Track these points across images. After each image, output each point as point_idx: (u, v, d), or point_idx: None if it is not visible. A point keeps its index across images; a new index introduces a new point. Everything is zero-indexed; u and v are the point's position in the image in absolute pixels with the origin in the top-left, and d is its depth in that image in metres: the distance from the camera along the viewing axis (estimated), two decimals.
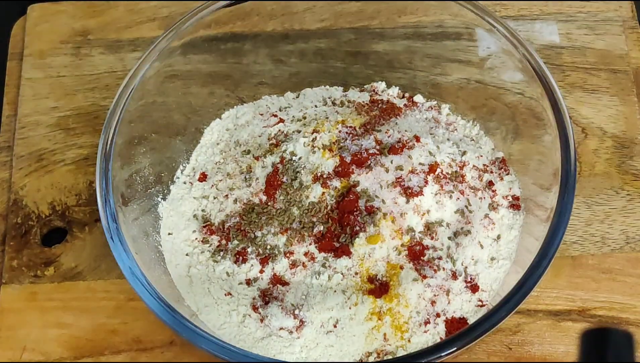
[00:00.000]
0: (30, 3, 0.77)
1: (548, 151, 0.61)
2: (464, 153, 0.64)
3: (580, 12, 0.74)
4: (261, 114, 0.69)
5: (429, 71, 0.69)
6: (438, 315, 0.60)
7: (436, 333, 0.60)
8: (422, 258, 0.61)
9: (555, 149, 0.60)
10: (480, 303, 0.60)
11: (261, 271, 0.61)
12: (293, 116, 0.67)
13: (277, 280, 0.61)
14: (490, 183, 0.64)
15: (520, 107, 0.64)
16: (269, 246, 0.61)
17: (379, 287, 0.60)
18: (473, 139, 0.67)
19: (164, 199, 0.65)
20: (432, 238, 0.61)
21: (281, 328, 0.59)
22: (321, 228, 0.61)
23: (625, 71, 0.72)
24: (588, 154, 0.69)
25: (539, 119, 0.62)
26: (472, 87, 0.67)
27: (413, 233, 0.61)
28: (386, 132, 0.64)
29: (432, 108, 0.68)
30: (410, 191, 0.61)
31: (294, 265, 0.61)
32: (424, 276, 0.60)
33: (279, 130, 0.66)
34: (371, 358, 0.59)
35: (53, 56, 0.74)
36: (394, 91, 0.70)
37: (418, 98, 0.69)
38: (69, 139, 0.71)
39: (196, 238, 0.64)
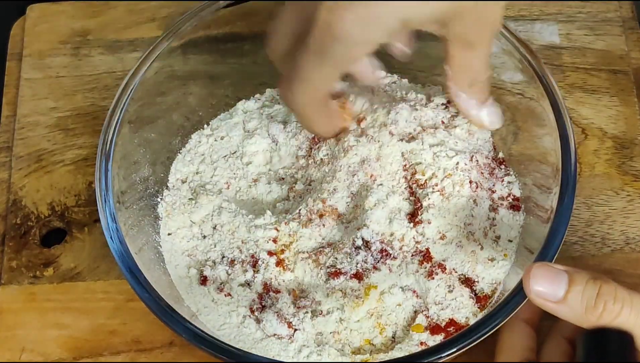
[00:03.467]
0: (30, 3, 0.77)
1: (548, 151, 0.61)
2: (472, 156, 0.63)
3: (581, 12, 0.74)
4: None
5: (429, 71, 0.68)
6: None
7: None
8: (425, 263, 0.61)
9: (555, 149, 0.60)
10: (480, 304, 0.60)
11: (253, 276, 0.61)
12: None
13: (268, 288, 0.61)
14: None
15: (520, 107, 0.64)
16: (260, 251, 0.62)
17: None
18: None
19: (163, 199, 0.65)
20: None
21: (275, 334, 0.59)
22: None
23: (626, 72, 0.72)
24: (588, 155, 0.69)
25: (539, 120, 0.62)
26: None
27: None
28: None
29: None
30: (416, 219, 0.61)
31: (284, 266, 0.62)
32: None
33: None
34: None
35: (52, 56, 0.74)
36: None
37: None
38: (68, 139, 0.71)
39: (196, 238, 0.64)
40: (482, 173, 0.63)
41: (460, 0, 0.52)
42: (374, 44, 0.51)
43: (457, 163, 0.61)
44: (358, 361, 0.59)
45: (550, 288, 0.52)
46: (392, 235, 0.61)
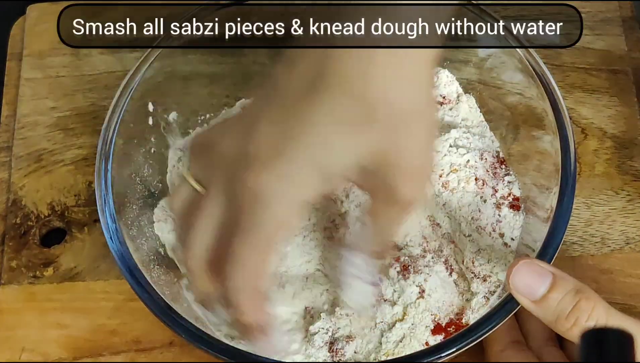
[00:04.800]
0: (30, 3, 0.77)
1: (548, 151, 0.61)
2: (482, 154, 0.63)
3: (581, 12, 0.74)
4: None
5: None
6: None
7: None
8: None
9: (555, 149, 0.60)
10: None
11: None
12: None
13: None
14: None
15: (520, 107, 0.64)
16: None
17: None
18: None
19: (163, 199, 0.65)
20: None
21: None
22: None
23: (626, 72, 0.72)
24: (588, 155, 0.69)
25: (539, 120, 0.62)
26: (471, 88, 0.67)
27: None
28: None
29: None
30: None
31: None
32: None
33: None
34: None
35: (52, 56, 0.74)
36: None
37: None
38: (68, 139, 0.71)
39: None
40: (487, 170, 0.63)
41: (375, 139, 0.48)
42: (300, 203, 0.49)
43: (468, 161, 0.62)
44: (358, 361, 0.59)
45: (528, 286, 0.53)
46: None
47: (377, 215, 0.53)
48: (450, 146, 0.63)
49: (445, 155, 0.62)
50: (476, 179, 0.62)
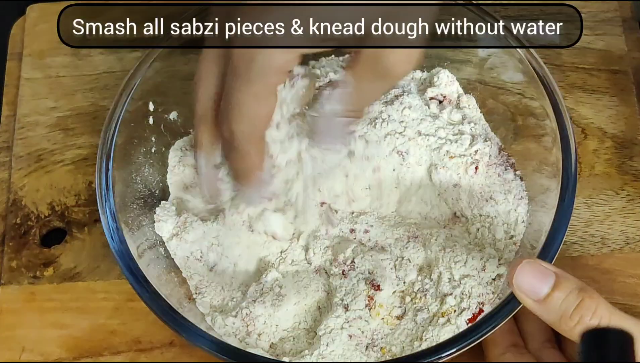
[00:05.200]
0: (30, 3, 0.77)
1: (548, 151, 0.61)
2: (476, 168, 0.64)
3: (581, 12, 0.74)
4: None
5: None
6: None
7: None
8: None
9: (555, 149, 0.60)
10: (481, 305, 0.60)
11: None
12: None
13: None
14: None
15: (520, 107, 0.64)
16: None
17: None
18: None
19: (164, 199, 0.65)
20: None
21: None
22: None
23: (625, 72, 0.72)
24: (588, 155, 0.69)
25: (539, 120, 0.62)
26: (472, 88, 0.67)
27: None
28: None
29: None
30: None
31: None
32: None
33: None
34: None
35: (52, 56, 0.74)
36: None
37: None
38: (68, 139, 0.71)
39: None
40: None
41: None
42: (296, 52, 0.50)
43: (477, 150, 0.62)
44: (358, 361, 0.59)
45: (532, 286, 0.53)
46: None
47: (360, 79, 0.53)
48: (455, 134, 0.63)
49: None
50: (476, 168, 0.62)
